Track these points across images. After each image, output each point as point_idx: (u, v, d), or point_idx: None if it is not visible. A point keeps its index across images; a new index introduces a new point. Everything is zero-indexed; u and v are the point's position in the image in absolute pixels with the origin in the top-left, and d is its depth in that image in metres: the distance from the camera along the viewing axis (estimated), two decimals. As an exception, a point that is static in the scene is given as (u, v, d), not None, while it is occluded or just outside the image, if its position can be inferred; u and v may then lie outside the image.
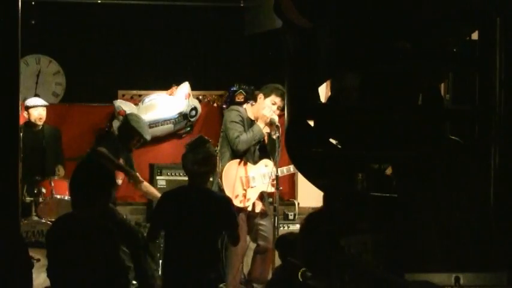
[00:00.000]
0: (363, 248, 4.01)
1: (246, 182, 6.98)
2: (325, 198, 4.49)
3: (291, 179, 8.52)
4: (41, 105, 8.11)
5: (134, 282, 6.31)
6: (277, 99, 6.89)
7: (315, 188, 4.42)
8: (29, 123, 8.10)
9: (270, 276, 6.84)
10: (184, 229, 5.26)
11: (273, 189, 7.09)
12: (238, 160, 6.97)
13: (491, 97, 3.62)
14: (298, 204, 8.34)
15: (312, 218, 5.57)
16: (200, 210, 5.28)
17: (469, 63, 3.90)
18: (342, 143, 4.34)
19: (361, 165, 4.08)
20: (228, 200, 5.61)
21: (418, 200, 3.67)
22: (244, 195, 6.96)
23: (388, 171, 4.46)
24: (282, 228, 7.33)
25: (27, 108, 8.06)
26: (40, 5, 8.71)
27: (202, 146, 5.52)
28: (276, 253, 6.68)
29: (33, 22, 8.60)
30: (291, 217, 8.08)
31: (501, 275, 3.36)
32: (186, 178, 7.42)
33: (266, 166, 7.07)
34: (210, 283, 5.30)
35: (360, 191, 3.96)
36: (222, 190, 6.92)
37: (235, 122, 6.93)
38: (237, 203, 6.89)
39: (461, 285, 3.31)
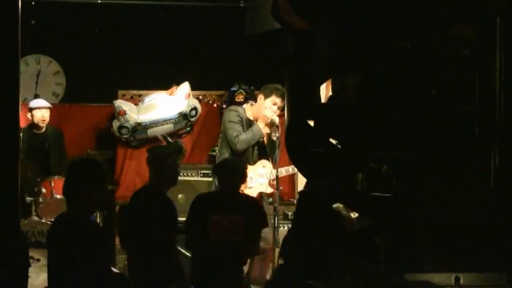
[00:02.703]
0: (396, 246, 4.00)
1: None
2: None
3: (291, 179, 8.52)
4: (45, 107, 8.11)
5: None
6: (278, 100, 6.89)
7: (315, 188, 4.42)
8: (33, 125, 8.10)
9: (268, 276, 6.84)
10: (136, 229, 5.38)
11: (271, 190, 7.08)
12: (235, 161, 6.97)
13: (491, 97, 3.62)
14: (298, 204, 8.33)
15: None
16: (146, 211, 5.36)
17: (469, 63, 3.90)
18: (342, 143, 4.35)
19: (361, 165, 4.08)
20: (170, 202, 5.53)
21: (417, 199, 3.67)
22: None
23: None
24: (282, 228, 7.31)
25: (30, 109, 8.07)
26: (40, 5, 8.71)
27: (158, 146, 5.69)
28: (276, 253, 6.69)
29: (33, 22, 8.60)
30: (291, 217, 8.08)
31: (501, 275, 3.36)
32: (186, 178, 7.48)
33: (264, 167, 7.07)
34: (159, 283, 5.32)
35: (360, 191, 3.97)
36: None
37: (234, 122, 6.92)
38: None
39: (461, 285, 3.31)
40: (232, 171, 5.74)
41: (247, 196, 6.20)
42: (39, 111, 8.07)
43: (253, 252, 5.82)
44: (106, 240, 4.45)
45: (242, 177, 5.85)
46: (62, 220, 4.54)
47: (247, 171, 6.99)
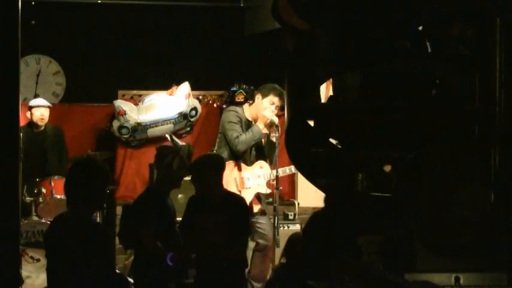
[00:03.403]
0: (381, 247, 4.03)
1: (241, 183, 6.97)
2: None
3: (291, 179, 8.52)
4: (44, 106, 8.12)
5: None
6: (275, 99, 6.88)
7: (315, 188, 4.42)
8: (31, 124, 8.10)
9: (269, 274, 6.84)
10: (136, 229, 5.50)
11: (269, 191, 7.08)
12: (233, 161, 6.96)
13: (491, 97, 3.62)
14: (298, 204, 8.34)
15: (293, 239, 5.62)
16: (145, 211, 5.48)
17: (469, 63, 3.90)
18: (342, 143, 4.35)
19: (361, 165, 4.08)
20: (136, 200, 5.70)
21: (417, 199, 3.66)
22: None
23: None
24: (282, 228, 7.33)
25: (30, 108, 8.07)
26: (40, 5, 8.71)
27: (162, 146, 5.79)
28: (276, 251, 6.70)
29: (33, 22, 8.60)
30: (291, 217, 8.08)
31: (501, 275, 3.36)
32: (186, 178, 7.51)
33: (261, 168, 7.06)
34: (160, 282, 5.41)
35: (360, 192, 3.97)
36: None
37: (233, 122, 6.92)
38: None
39: (461, 285, 3.31)
40: (204, 170, 5.56)
41: (231, 194, 5.94)
42: (38, 109, 8.07)
43: (240, 253, 5.62)
44: (108, 241, 4.45)
45: (217, 172, 5.59)
46: (63, 220, 4.54)
47: (245, 171, 7.01)
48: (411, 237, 3.49)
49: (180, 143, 7.47)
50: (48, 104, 8.21)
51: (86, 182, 4.38)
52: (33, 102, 8.12)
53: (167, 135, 7.88)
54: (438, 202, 3.56)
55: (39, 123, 8.09)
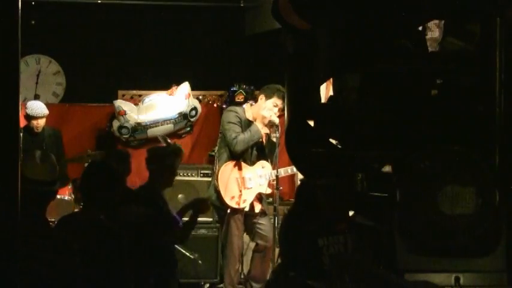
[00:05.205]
0: (343, 248, 4.07)
1: (242, 183, 6.96)
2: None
3: (291, 179, 8.53)
4: (41, 117, 7.98)
5: None
6: (279, 102, 6.85)
7: (315, 188, 4.42)
8: (29, 126, 8.03)
9: (269, 275, 6.84)
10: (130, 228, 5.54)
11: (270, 191, 7.08)
12: (234, 161, 6.96)
13: (491, 97, 3.62)
14: (298, 204, 8.33)
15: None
16: (139, 210, 5.45)
17: (469, 63, 3.90)
18: (342, 143, 4.34)
19: (361, 165, 4.08)
20: (157, 203, 5.59)
21: (417, 199, 3.66)
22: (240, 196, 6.94)
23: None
24: (282, 228, 7.32)
25: (27, 114, 7.94)
26: (40, 5, 8.72)
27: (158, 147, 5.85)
28: (276, 253, 6.70)
29: (33, 22, 8.61)
30: (291, 217, 8.07)
31: (501, 275, 3.36)
32: (186, 178, 7.49)
33: (263, 167, 7.05)
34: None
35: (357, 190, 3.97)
36: (217, 191, 6.90)
37: (233, 122, 6.91)
38: (232, 204, 6.89)
39: (461, 285, 3.31)
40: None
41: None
42: (35, 119, 7.95)
43: None
44: (120, 241, 4.48)
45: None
46: (73, 219, 4.59)
47: (246, 171, 7.00)
48: (394, 236, 3.48)
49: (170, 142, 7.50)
50: (46, 112, 8.03)
51: (100, 183, 4.44)
52: (31, 111, 7.91)
53: (159, 137, 7.88)
54: (435, 202, 3.56)
55: (36, 130, 7.99)
